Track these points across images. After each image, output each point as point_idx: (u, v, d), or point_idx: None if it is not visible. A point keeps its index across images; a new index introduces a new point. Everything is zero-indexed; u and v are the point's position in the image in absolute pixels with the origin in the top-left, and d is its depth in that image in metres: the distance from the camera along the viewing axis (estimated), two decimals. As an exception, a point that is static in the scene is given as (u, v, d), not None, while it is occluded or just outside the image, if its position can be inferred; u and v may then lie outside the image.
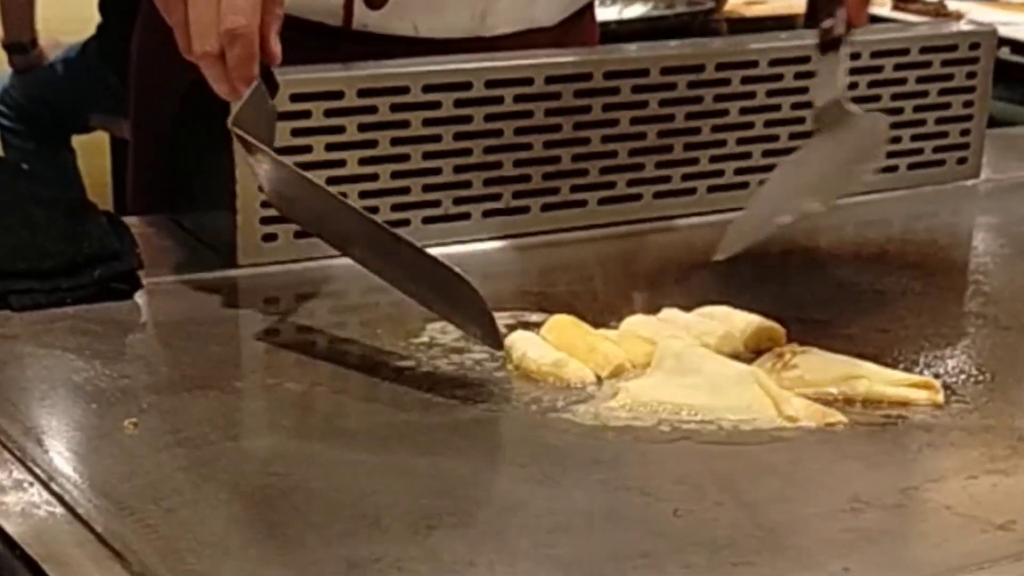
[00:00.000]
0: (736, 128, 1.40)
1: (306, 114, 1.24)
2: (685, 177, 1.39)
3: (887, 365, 1.05)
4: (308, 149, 1.24)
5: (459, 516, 0.86)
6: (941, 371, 1.06)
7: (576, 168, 1.34)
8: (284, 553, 0.83)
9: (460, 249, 1.29)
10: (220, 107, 1.21)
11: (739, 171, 1.41)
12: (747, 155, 1.41)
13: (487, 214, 1.31)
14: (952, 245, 1.39)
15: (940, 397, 1.02)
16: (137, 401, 1.01)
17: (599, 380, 1.03)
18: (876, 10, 3.53)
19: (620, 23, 3.06)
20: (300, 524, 0.86)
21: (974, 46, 1.49)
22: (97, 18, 3.58)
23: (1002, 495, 0.91)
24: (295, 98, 1.23)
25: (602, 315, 1.13)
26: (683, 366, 1.02)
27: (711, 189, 1.40)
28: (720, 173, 1.40)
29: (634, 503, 0.88)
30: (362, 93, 1.25)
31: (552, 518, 0.87)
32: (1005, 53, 2.76)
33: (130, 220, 1.28)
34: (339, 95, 1.25)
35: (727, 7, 3.48)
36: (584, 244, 1.34)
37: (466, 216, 1.31)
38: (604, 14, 3.05)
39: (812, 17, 1.23)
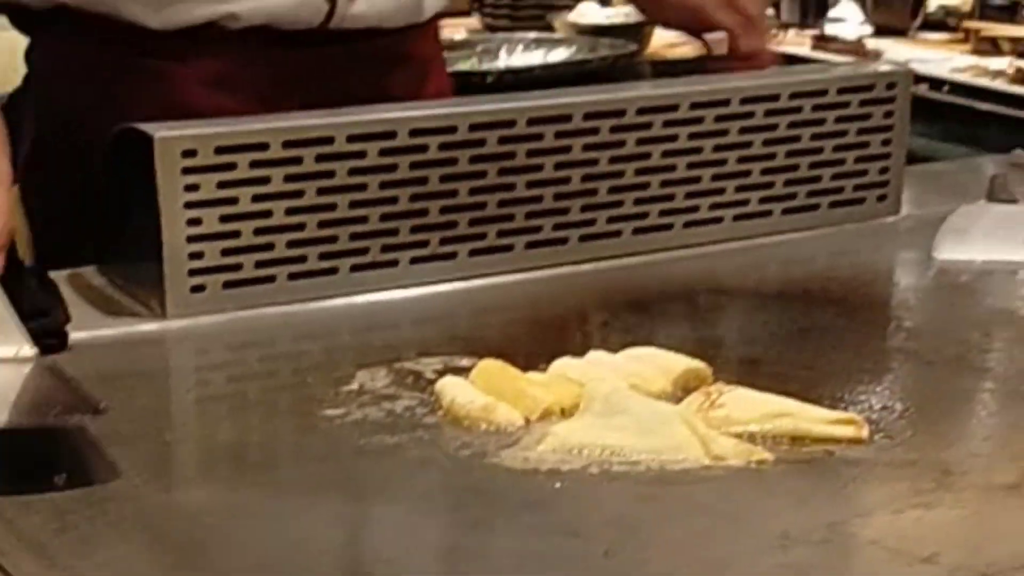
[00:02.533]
0: (659, 171, 1.41)
1: (231, 166, 1.24)
2: (610, 220, 1.40)
3: (812, 402, 1.06)
4: (235, 200, 1.24)
5: (392, 563, 0.87)
6: (866, 407, 1.07)
7: (502, 214, 1.35)
8: (217, 604, 0.83)
9: (388, 296, 1.30)
10: (147, 158, 1.21)
11: (663, 212, 1.42)
12: (670, 197, 1.42)
13: (414, 261, 1.32)
14: (874, 281, 1.40)
15: (864, 432, 1.03)
16: (67, 456, 1.00)
17: (528, 424, 1.04)
18: (795, 50, 3.58)
19: (544, 68, 3.08)
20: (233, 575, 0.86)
21: (891, 86, 1.52)
22: (23, 69, 3.55)
23: (927, 528, 0.92)
24: (220, 151, 1.23)
25: (531, 358, 1.14)
26: (611, 408, 1.03)
27: (636, 231, 1.41)
28: (644, 215, 1.41)
29: (565, 545, 0.89)
30: (287, 144, 1.26)
31: (484, 562, 0.87)
32: (923, 90, 2.79)
33: (59, 273, 1.28)
34: (264, 147, 1.25)
35: (649, 49, 3.50)
36: (512, 288, 1.34)
37: (394, 263, 1.31)
38: (528, 59, 3.08)
39: None
